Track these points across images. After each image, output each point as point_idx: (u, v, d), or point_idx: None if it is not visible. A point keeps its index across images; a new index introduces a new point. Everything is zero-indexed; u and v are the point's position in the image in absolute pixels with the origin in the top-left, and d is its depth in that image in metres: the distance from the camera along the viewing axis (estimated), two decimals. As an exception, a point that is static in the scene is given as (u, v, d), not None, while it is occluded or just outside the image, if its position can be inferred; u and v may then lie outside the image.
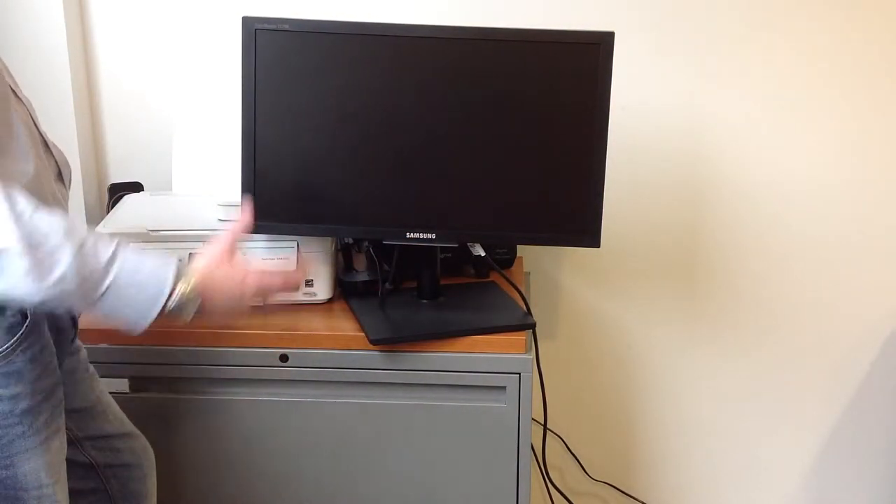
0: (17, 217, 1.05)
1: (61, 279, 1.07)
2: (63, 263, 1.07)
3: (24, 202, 1.07)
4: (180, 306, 1.16)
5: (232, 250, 1.26)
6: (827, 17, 1.84)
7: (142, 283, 1.14)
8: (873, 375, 2.05)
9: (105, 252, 1.11)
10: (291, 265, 1.58)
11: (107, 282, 1.11)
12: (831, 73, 1.87)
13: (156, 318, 1.15)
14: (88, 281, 1.10)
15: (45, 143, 1.25)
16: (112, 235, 1.15)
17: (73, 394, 1.34)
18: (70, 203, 1.30)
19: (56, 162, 1.27)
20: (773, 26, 1.85)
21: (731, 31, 1.86)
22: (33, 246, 1.05)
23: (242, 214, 1.40)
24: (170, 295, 1.15)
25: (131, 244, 1.16)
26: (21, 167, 1.15)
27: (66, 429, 1.30)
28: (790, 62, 1.87)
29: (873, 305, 2.00)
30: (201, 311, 1.21)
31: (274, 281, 1.30)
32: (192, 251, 1.35)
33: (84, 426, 1.40)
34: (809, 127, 1.90)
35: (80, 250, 1.09)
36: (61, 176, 1.28)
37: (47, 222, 1.07)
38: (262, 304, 1.36)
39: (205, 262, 1.23)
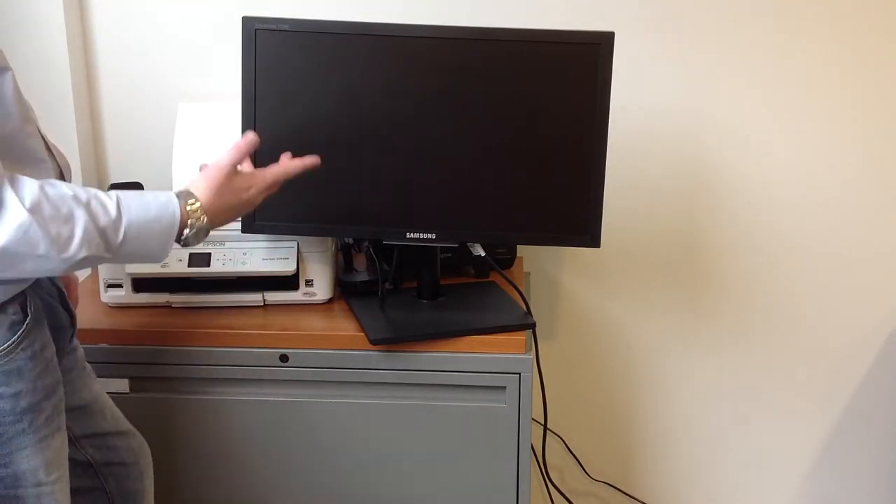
0: (23, 198, 1.06)
1: (82, 244, 1.10)
2: (79, 229, 1.10)
3: (27, 182, 1.08)
4: (195, 234, 1.23)
5: (232, 171, 1.30)
6: (827, 18, 1.84)
7: (152, 221, 1.18)
8: (873, 375, 2.05)
9: (110, 203, 1.14)
10: (292, 265, 1.58)
11: (122, 231, 1.15)
12: (831, 73, 1.87)
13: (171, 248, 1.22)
14: (106, 235, 1.13)
15: (47, 146, 1.25)
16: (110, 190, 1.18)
17: (70, 392, 1.34)
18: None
19: (58, 164, 1.27)
20: (773, 27, 1.85)
21: (731, 32, 1.86)
22: (48, 220, 1.07)
23: (244, 136, 1.37)
24: (181, 226, 1.21)
25: (126, 190, 1.20)
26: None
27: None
28: (790, 63, 1.87)
29: (873, 305, 2.00)
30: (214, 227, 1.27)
31: (274, 178, 1.35)
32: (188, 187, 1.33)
33: (81, 424, 1.40)
34: (809, 127, 1.90)
35: (89, 210, 1.11)
36: (63, 178, 1.28)
37: (53, 194, 1.09)
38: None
39: (206, 185, 1.27)
